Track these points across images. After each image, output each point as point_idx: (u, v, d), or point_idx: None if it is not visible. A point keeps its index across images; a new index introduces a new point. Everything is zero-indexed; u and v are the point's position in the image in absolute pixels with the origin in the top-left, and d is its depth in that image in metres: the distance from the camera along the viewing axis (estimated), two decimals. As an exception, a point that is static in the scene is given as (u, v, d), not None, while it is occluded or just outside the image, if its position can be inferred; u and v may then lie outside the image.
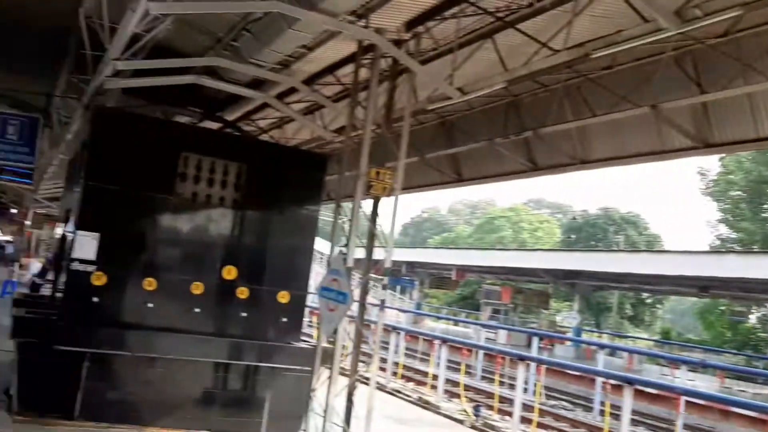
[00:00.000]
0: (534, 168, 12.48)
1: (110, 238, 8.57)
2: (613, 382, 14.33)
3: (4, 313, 14.25)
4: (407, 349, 23.01)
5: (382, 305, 8.80)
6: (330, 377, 8.10)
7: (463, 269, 42.63)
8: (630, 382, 12.46)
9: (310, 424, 8.40)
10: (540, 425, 14.99)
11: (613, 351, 31.06)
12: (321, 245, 15.52)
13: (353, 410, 8.17)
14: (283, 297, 9.49)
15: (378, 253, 8.47)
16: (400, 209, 8.47)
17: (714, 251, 39.77)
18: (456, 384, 17.98)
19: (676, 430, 14.00)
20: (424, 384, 18.97)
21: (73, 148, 12.41)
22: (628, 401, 11.91)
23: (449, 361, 18.14)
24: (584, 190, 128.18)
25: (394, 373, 19.36)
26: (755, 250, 39.62)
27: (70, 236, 9.12)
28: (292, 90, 10.57)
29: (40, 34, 10.98)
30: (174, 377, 8.75)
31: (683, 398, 14.39)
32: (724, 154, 38.00)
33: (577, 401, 20.67)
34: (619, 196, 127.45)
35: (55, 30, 10.41)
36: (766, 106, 8.82)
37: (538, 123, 11.05)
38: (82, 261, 8.45)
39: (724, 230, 45.60)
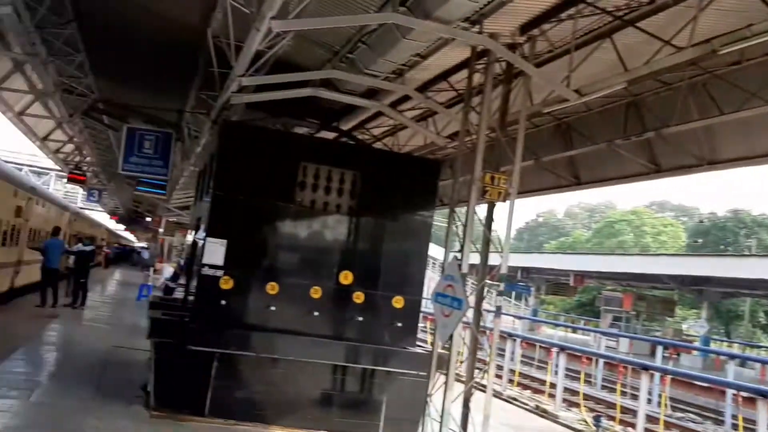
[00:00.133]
0: (657, 170, 11.95)
1: (236, 245, 9.03)
2: (745, 394, 13.44)
3: (141, 314, 15.39)
4: (523, 356, 22.61)
5: (497, 311, 8.72)
6: (446, 383, 8.11)
7: (581, 275, 41.35)
8: (765, 395, 11.64)
9: (426, 429, 8.44)
10: (666, 439, 14.29)
11: (744, 361, 29.08)
12: (435, 251, 15.60)
13: (470, 417, 8.14)
14: (398, 302, 9.61)
15: (493, 259, 8.40)
16: (515, 214, 8.37)
17: None
18: (575, 393, 17.47)
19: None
20: (541, 392, 18.56)
21: (202, 160, 13.18)
22: (763, 415, 11.15)
23: (567, 369, 17.66)
24: (712, 192, 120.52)
25: (511, 381, 19.08)
26: None
27: (200, 243, 9.68)
28: (406, 98, 10.72)
29: (172, 54, 11.77)
30: (295, 378, 9.07)
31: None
32: None
33: (706, 414, 19.50)
34: (750, 198, 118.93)
35: (186, 50, 11.12)
36: None
37: (660, 123, 10.57)
38: (212, 266, 8.94)
39: None
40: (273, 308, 9.10)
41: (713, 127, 10.38)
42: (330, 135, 12.46)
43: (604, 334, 34.80)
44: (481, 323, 8.61)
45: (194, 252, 11.02)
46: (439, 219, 15.27)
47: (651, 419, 13.93)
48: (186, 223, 29.76)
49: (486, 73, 8.18)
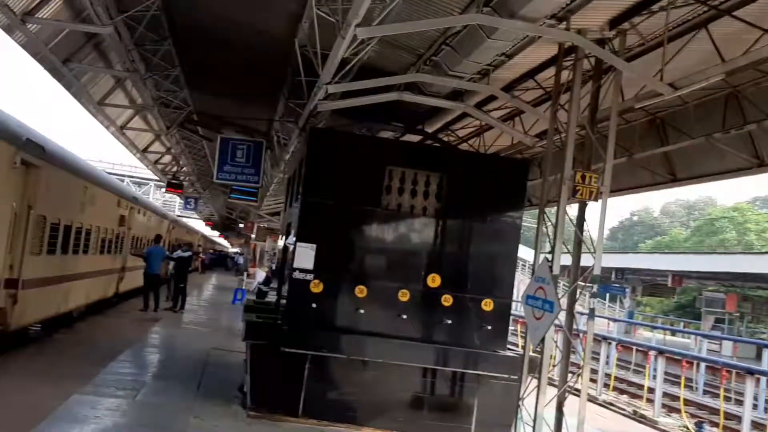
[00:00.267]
0: (759, 164, 11.28)
1: (325, 249, 9.22)
2: None
3: (236, 317, 15.93)
4: (619, 360, 21.88)
5: (591, 314, 8.49)
6: (538, 387, 7.97)
7: (680, 275, 39.56)
8: None
9: (519, 433, 8.33)
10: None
11: None
12: (525, 253, 15.36)
13: (564, 421, 7.96)
14: (487, 305, 9.52)
15: (585, 260, 8.19)
16: (608, 213, 8.12)
17: None
18: (675, 398, 16.77)
19: None
20: (639, 397, 17.91)
21: (291, 167, 13.51)
22: None
23: (667, 373, 16.96)
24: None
25: (606, 385, 18.49)
26: None
27: (290, 247, 9.92)
28: (491, 98, 10.62)
29: (261, 66, 12.15)
30: (385, 380, 9.15)
31: None
32: None
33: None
34: None
35: (274, 61, 11.46)
36: None
37: (764, 115, 9.99)
38: (302, 270, 9.17)
39: None
40: (362, 311, 9.22)
41: (824, 116, 9.71)
42: (415, 138, 12.50)
43: (705, 336, 33.19)
44: (574, 326, 8.40)
45: (285, 257, 11.31)
46: (528, 220, 15.03)
47: (757, 426, 13.17)
48: (276, 229, 30.56)
49: (574, 69, 8.01)
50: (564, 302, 7.86)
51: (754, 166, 11.41)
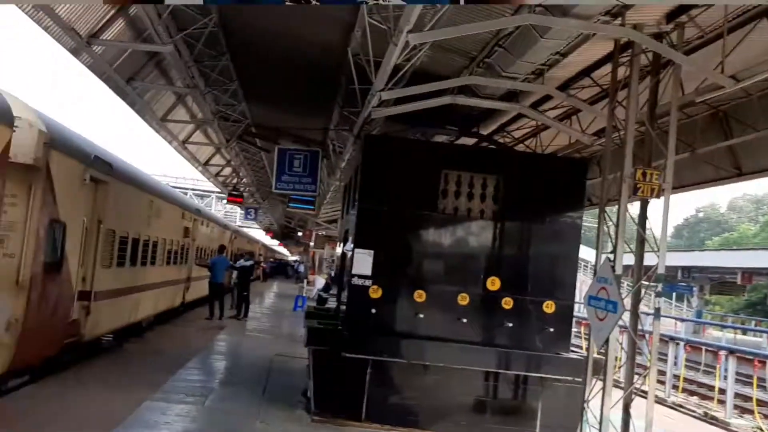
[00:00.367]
0: (832, 154, 10.84)
1: (383, 254, 9.30)
2: None
3: (298, 324, 16.18)
4: (688, 360, 21.23)
5: (656, 313, 8.29)
6: (603, 389, 7.83)
7: (749, 272, 38.14)
8: None
9: (585, 437, 8.20)
10: None
11: None
12: (586, 253, 15.09)
13: (631, 423, 7.80)
14: (549, 307, 9.43)
15: (649, 259, 8.02)
16: (671, 210, 7.94)
17: None
18: (747, 399, 16.17)
19: None
20: (709, 398, 17.34)
21: (347, 174, 13.68)
22: None
23: (738, 373, 16.38)
24: None
25: (675, 387, 17.97)
26: None
27: (348, 254, 10.04)
28: (547, 97, 10.52)
29: (315, 76, 12.36)
30: (447, 384, 9.14)
31: None
32: None
33: None
34: None
35: (328, 71, 11.64)
36: None
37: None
38: (361, 276, 9.27)
39: None
40: (421, 315, 9.26)
41: None
42: (470, 141, 12.47)
43: (779, 335, 31.86)
44: (639, 326, 8.23)
45: (344, 263, 11.44)
46: (588, 219, 14.78)
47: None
48: (334, 236, 30.87)
49: (631, 65, 7.87)
50: (628, 302, 7.72)
51: (826, 157, 10.96)
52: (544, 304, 9.41)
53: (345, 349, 8.96)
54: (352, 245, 9.60)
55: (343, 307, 10.21)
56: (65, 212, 9.14)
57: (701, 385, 19.56)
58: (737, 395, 16.07)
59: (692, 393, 18.54)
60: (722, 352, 17.81)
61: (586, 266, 36.42)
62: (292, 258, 77.06)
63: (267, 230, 62.21)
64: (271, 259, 66.67)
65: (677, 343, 19.73)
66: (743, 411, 16.07)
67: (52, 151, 8.50)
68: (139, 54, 12.64)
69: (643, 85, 8.10)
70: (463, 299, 9.34)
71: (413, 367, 9.13)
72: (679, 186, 12.26)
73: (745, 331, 38.31)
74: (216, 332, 17.01)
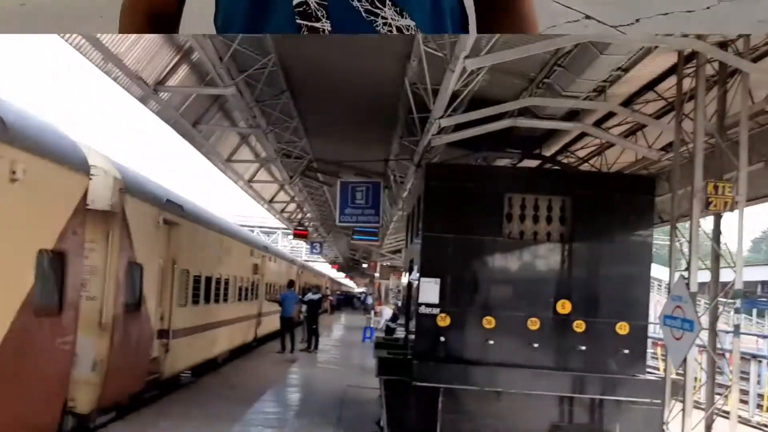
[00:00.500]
0: None
1: (450, 282, 9.25)
2: None
3: (367, 355, 16.21)
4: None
5: (736, 331, 7.95)
6: (683, 410, 7.53)
7: (839, 286, 36.08)
8: None
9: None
10: None
11: None
12: (658, 272, 14.61)
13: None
14: (622, 328, 9.15)
15: (726, 275, 7.73)
16: (746, 223, 7.65)
17: None
18: None
19: None
20: (802, 421, 16.36)
21: (409, 204, 13.74)
22: None
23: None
24: None
25: (759, 406, 17.09)
26: None
27: (414, 283, 10.03)
28: (610, 114, 10.36)
29: (374, 108, 12.53)
30: (521, 410, 8.94)
31: None
32: None
33: None
34: None
35: (386, 102, 11.79)
36: None
37: None
38: (428, 305, 9.23)
39: None
40: (491, 342, 9.13)
41: None
42: (533, 163, 12.35)
43: None
44: (718, 344, 7.90)
45: (410, 293, 11.44)
46: (660, 237, 14.34)
47: None
48: (399, 266, 30.93)
49: (697, 76, 7.70)
50: (705, 320, 7.43)
51: None
52: (617, 326, 9.13)
53: (415, 378, 8.89)
54: (417, 274, 9.60)
55: (412, 337, 10.18)
56: (142, 254, 9.50)
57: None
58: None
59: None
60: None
61: (660, 285, 35.25)
62: (358, 290, 77.42)
63: (332, 263, 62.84)
64: (338, 292, 67.14)
65: (760, 361, 18.81)
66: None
67: (127, 196, 8.89)
68: (203, 97, 13.11)
69: (710, 96, 7.91)
70: (534, 324, 9.17)
71: (486, 395, 8.98)
72: (754, 198, 11.81)
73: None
74: (288, 365, 17.22)
